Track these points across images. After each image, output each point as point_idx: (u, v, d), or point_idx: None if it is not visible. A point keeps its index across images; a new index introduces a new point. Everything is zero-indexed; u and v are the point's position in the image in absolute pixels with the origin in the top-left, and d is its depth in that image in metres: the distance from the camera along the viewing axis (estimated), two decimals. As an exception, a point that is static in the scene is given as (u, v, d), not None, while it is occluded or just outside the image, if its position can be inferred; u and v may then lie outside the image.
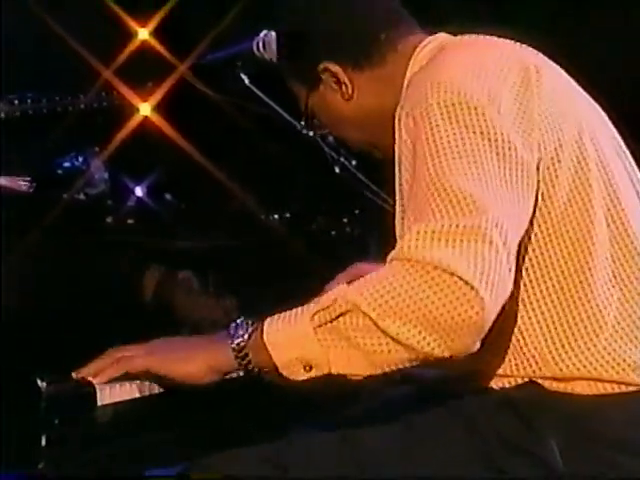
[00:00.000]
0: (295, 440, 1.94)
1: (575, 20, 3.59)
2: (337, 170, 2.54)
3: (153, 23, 2.94)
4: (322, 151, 2.53)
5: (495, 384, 1.90)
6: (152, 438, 2.14)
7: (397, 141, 1.90)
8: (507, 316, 1.82)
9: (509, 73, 1.89)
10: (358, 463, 1.87)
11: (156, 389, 2.07)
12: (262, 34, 2.46)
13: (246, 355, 1.78)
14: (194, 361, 1.83)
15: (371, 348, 1.70)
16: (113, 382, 2.02)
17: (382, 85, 2.04)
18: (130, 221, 2.47)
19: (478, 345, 1.70)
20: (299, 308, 1.76)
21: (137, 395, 2.06)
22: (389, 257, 1.73)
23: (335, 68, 2.04)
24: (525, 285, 1.87)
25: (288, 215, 2.61)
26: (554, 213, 1.86)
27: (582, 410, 1.84)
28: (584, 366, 1.85)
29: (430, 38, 2.05)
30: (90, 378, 1.92)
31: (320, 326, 1.71)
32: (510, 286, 1.72)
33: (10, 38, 2.86)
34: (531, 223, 1.83)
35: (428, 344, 1.67)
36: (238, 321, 1.80)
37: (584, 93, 2.05)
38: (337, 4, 2.10)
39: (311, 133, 2.23)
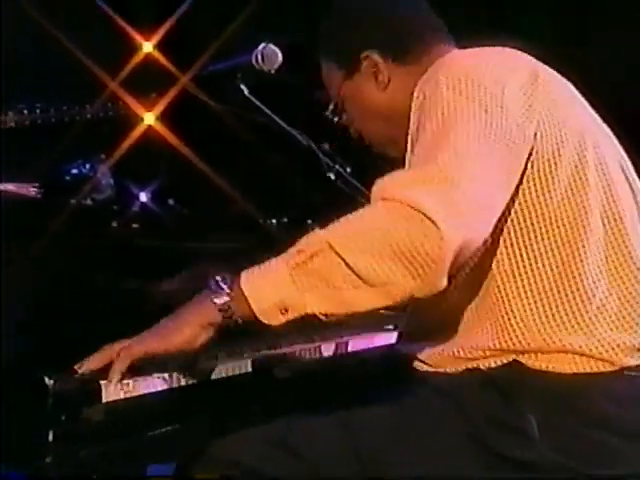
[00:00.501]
0: (298, 423, 1.96)
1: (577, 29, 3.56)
2: (332, 177, 2.53)
3: (157, 37, 2.94)
4: (317, 159, 2.53)
5: (482, 364, 1.91)
6: (156, 432, 2.13)
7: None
8: (496, 289, 1.89)
9: (517, 69, 1.94)
10: (355, 445, 1.90)
11: (159, 386, 2.09)
12: (261, 46, 2.47)
13: (229, 307, 1.77)
14: (186, 327, 1.82)
15: (343, 285, 1.70)
16: (127, 376, 2.03)
17: (412, 83, 2.01)
18: (135, 225, 2.45)
19: (445, 282, 1.70)
20: (273, 259, 1.76)
21: (144, 391, 2.07)
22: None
23: (376, 58, 2.07)
24: (517, 260, 1.89)
25: (285, 220, 2.60)
26: (551, 203, 1.88)
27: (563, 387, 1.85)
28: (569, 342, 1.85)
29: (446, 53, 2.06)
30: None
31: (295, 268, 1.71)
32: (482, 231, 1.75)
33: (21, 51, 2.87)
34: (528, 206, 1.87)
35: (393, 277, 1.67)
36: (218, 277, 1.79)
37: (589, 108, 2.06)
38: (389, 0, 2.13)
39: (335, 119, 2.21)
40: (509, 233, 1.88)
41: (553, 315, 1.87)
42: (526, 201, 1.88)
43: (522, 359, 1.88)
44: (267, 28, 2.93)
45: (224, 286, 1.78)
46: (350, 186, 2.55)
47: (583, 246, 1.88)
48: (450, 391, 1.91)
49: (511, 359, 1.88)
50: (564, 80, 2.04)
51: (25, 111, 2.53)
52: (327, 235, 1.72)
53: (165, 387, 2.08)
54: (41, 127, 2.55)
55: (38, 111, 2.56)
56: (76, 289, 2.19)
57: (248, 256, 2.49)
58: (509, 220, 1.87)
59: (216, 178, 2.58)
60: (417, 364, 2.01)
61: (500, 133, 1.81)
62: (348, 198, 2.55)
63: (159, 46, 2.95)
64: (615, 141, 2.07)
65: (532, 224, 1.88)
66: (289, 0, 3.29)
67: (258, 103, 2.49)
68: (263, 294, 1.74)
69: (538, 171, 1.87)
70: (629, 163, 2.06)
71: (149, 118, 2.69)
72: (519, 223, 1.88)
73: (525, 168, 1.86)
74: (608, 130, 2.07)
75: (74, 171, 2.52)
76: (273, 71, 2.47)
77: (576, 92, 2.06)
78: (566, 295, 1.87)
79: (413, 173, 1.79)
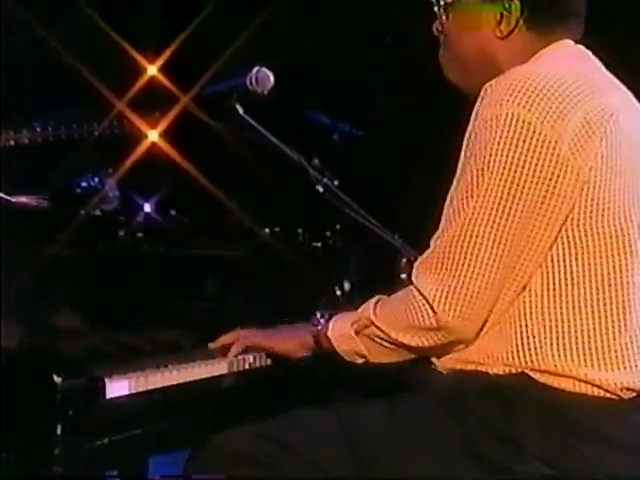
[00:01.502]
0: (297, 421, 1.92)
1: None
2: (320, 189, 2.51)
3: (160, 61, 2.93)
4: (307, 173, 2.51)
5: (491, 369, 1.86)
6: (158, 426, 2.11)
7: (474, 115, 1.84)
8: (523, 303, 1.83)
9: (585, 101, 1.81)
10: (352, 444, 1.86)
11: (167, 381, 2.07)
12: (255, 70, 2.46)
13: (319, 341, 2.07)
14: (290, 341, 2.16)
15: (387, 346, 1.94)
16: (125, 374, 2.01)
17: (519, 50, 1.92)
18: (139, 234, 2.43)
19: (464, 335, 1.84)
20: (350, 312, 2.03)
21: (143, 389, 2.05)
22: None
23: (518, 9, 1.91)
24: (550, 282, 1.83)
25: (278, 229, 2.58)
26: (585, 247, 1.82)
27: (566, 404, 1.80)
28: (578, 372, 1.80)
29: (562, 43, 1.93)
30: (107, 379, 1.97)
31: (357, 333, 1.98)
32: (483, 307, 1.82)
33: (34, 73, 2.86)
34: (569, 238, 1.81)
35: (416, 344, 1.89)
36: (318, 315, 2.10)
37: None
38: None
39: (437, 8, 1.99)
40: (551, 259, 1.82)
41: (570, 344, 1.81)
42: (570, 238, 1.81)
43: (529, 372, 1.82)
44: (261, 53, 2.90)
45: (319, 323, 2.10)
46: (337, 198, 2.53)
47: (617, 292, 1.82)
48: (450, 396, 1.85)
49: (520, 371, 1.82)
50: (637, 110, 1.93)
51: (38, 129, 2.51)
52: (373, 315, 1.95)
53: (164, 384, 2.07)
54: (53, 144, 2.54)
55: (50, 129, 2.54)
56: (85, 293, 2.18)
57: (243, 261, 2.53)
58: (553, 247, 1.81)
59: (214, 190, 2.55)
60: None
61: (534, 191, 1.77)
62: (335, 209, 2.52)
63: (162, 69, 2.93)
64: None
65: (574, 258, 1.81)
66: (282, 26, 3.27)
67: (252, 122, 2.47)
68: (340, 343, 2.02)
69: (584, 217, 1.80)
70: None
71: (152, 135, 2.67)
72: (562, 252, 1.81)
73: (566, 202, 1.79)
74: None
75: (83, 184, 2.51)
76: (266, 92, 2.46)
77: None
78: (587, 330, 1.81)
79: (432, 260, 1.86)
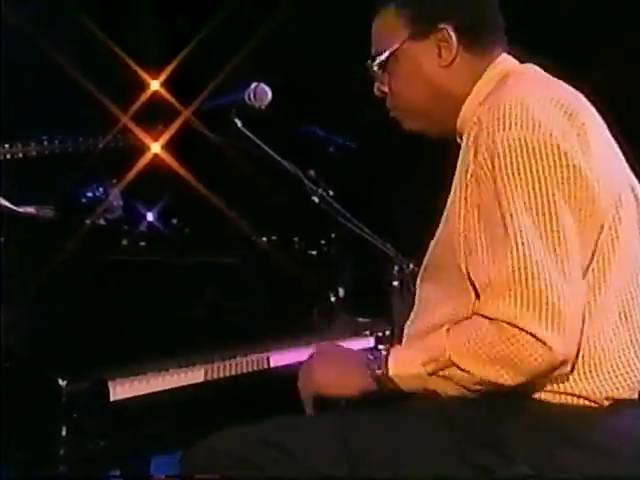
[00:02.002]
0: (290, 422, 1.87)
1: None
2: (315, 200, 2.50)
3: (162, 77, 2.93)
4: (303, 184, 2.50)
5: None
6: (159, 427, 2.10)
7: (468, 142, 1.77)
8: None
9: (571, 119, 1.77)
10: (348, 447, 1.80)
11: (168, 384, 2.06)
12: (252, 86, 2.45)
13: (381, 384, 1.82)
14: (349, 388, 1.85)
15: (471, 387, 1.75)
16: (127, 377, 2.00)
17: (467, 73, 1.87)
18: (142, 243, 2.42)
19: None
20: (414, 346, 1.83)
21: (147, 391, 2.04)
22: (476, 308, 1.74)
23: (451, 34, 1.84)
24: None
25: (275, 237, 2.57)
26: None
27: (552, 415, 1.76)
28: (569, 385, 1.77)
29: (501, 58, 1.90)
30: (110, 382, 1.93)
31: (431, 373, 1.76)
32: (578, 309, 1.70)
33: (44, 89, 2.86)
34: None
35: (513, 381, 1.71)
36: (370, 356, 1.84)
37: (617, 149, 1.91)
38: None
39: (375, 68, 1.92)
40: None
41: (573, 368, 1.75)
42: None
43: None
44: (259, 69, 2.90)
45: (380, 361, 1.83)
46: (332, 208, 2.52)
47: (603, 304, 1.77)
48: (442, 406, 1.80)
49: None
50: (600, 119, 1.89)
51: (46, 142, 2.50)
52: (452, 354, 1.74)
53: (165, 387, 2.06)
54: (60, 156, 2.53)
55: (57, 142, 2.53)
56: (90, 300, 2.17)
57: (242, 269, 2.52)
58: None
59: (214, 200, 2.55)
60: None
61: (579, 205, 1.72)
62: (330, 219, 2.51)
63: (164, 84, 2.93)
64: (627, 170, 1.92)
65: None
66: (279, 44, 3.27)
67: (250, 135, 2.46)
68: (407, 382, 1.81)
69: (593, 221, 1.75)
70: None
71: (155, 147, 2.67)
72: None
73: None
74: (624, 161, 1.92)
75: (89, 194, 2.49)
76: (264, 107, 2.45)
77: (607, 132, 1.90)
78: (587, 354, 1.76)
79: (504, 286, 1.69)
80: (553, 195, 1.71)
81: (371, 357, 1.83)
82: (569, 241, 1.70)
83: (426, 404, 1.82)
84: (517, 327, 1.67)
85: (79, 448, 1.91)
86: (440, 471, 1.77)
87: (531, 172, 1.71)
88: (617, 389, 1.79)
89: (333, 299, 2.59)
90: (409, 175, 3.11)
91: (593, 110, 1.89)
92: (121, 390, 1.97)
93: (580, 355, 1.76)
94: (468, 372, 1.73)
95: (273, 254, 2.51)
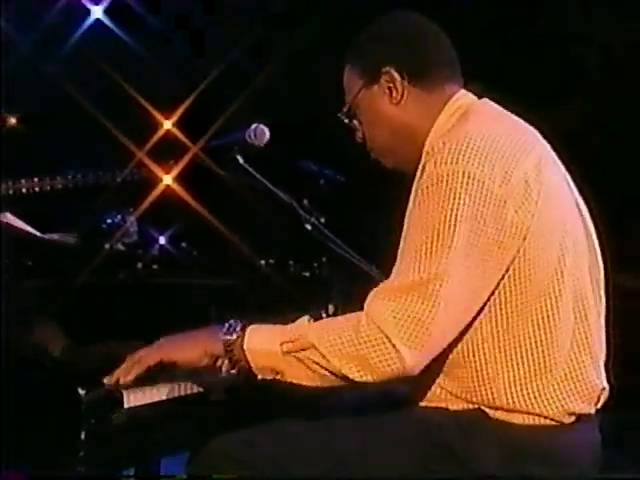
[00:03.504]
0: (277, 428, 1.85)
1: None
2: (308, 227, 2.48)
3: (173, 118, 2.93)
4: (297, 213, 2.48)
5: (453, 405, 1.76)
6: (168, 431, 2.06)
7: (420, 171, 1.74)
8: (477, 344, 1.72)
9: (522, 161, 1.71)
10: (327, 452, 1.78)
11: (176, 393, 2.03)
12: (253, 126, 2.43)
13: (231, 351, 1.75)
14: (195, 349, 1.80)
15: (320, 372, 1.69)
16: (140, 387, 1.97)
17: (421, 108, 1.83)
18: (154, 266, 2.39)
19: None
20: (273, 328, 1.75)
21: (159, 398, 2.01)
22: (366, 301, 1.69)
23: (395, 74, 1.82)
24: (498, 327, 1.72)
25: (272, 260, 2.54)
26: (531, 292, 1.71)
27: (515, 436, 1.73)
28: (528, 405, 1.73)
29: (460, 94, 1.85)
30: (121, 379, 1.84)
31: (286, 353, 1.70)
32: (444, 339, 1.65)
33: (73, 130, 2.86)
34: (512, 289, 1.70)
35: (360, 378, 1.65)
36: (231, 321, 1.77)
37: (572, 185, 1.86)
38: (422, 27, 1.87)
39: (347, 121, 1.92)
40: (494, 304, 1.71)
41: (520, 381, 1.72)
42: (510, 286, 1.70)
43: (485, 409, 1.74)
44: (259, 110, 2.89)
45: (234, 330, 1.76)
46: (323, 234, 2.50)
47: (552, 332, 1.72)
48: (417, 427, 1.76)
49: (477, 407, 1.74)
50: (557, 161, 1.84)
51: (69, 176, 2.49)
52: (314, 337, 1.68)
53: (174, 396, 2.03)
54: (83, 188, 2.52)
55: (80, 176, 2.51)
56: (108, 317, 2.14)
57: (242, 288, 2.50)
58: (496, 293, 1.70)
59: (219, 226, 2.53)
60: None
61: (486, 244, 1.64)
62: (321, 244, 2.49)
63: (176, 125, 2.92)
64: (585, 212, 1.86)
65: (514, 303, 1.71)
66: (276, 87, 3.27)
67: (251, 169, 2.44)
68: (258, 358, 1.73)
69: (522, 268, 1.70)
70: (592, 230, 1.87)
71: (167, 179, 2.65)
72: (504, 298, 1.71)
73: (513, 261, 1.69)
74: (580, 202, 1.87)
75: (108, 221, 2.47)
76: (263, 145, 2.43)
77: (561, 167, 1.85)
78: (535, 367, 1.72)
79: (388, 288, 1.66)
80: (473, 236, 1.64)
81: (231, 323, 1.76)
82: (469, 278, 1.64)
83: (403, 424, 1.78)
84: (383, 333, 1.61)
85: (97, 450, 1.87)
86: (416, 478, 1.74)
87: (465, 204, 1.64)
88: (578, 405, 1.77)
89: (324, 315, 2.57)
90: (390, 205, 3.09)
91: (546, 144, 1.84)
92: (134, 398, 1.94)
93: (542, 381, 1.73)
94: (325, 358, 1.66)
95: (271, 275, 2.50)
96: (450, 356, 1.74)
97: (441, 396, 1.77)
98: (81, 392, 1.86)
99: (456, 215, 1.64)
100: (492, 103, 1.87)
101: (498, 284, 1.70)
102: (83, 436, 1.85)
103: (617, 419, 1.90)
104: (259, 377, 1.76)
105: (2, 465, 1.83)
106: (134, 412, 1.94)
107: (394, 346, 1.61)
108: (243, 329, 1.76)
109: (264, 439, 1.82)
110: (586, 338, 1.77)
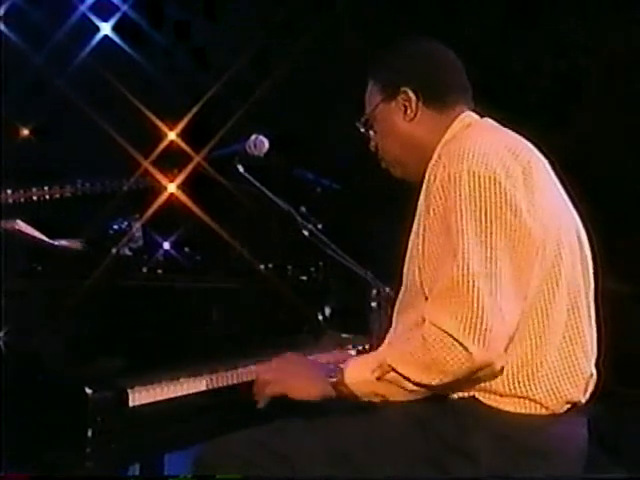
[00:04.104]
0: (281, 426, 1.85)
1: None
2: (306, 233, 2.46)
3: (178, 128, 2.92)
4: (295, 219, 2.47)
5: (449, 393, 1.77)
6: (172, 429, 2.05)
7: (429, 178, 1.79)
8: None
9: (518, 158, 1.79)
10: (329, 448, 1.78)
11: (180, 392, 2.02)
12: (253, 137, 2.43)
13: (339, 390, 1.81)
14: (312, 389, 1.84)
15: (409, 387, 1.73)
16: (145, 386, 1.96)
17: (431, 126, 1.91)
18: (159, 270, 2.38)
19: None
20: (365, 358, 1.84)
21: (162, 398, 2.00)
22: (423, 312, 1.72)
23: (411, 94, 1.91)
24: None
25: (271, 265, 2.53)
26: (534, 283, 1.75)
27: (508, 423, 1.74)
28: (524, 391, 1.74)
29: (466, 113, 1.92)
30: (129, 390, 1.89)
31: (378, 379, 1.76)
32: (504, 324, 1.67)
33: (82, 141, 2.85)
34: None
35: (439, 382, 1.70)
36: (331, 366, 1.87)
37: (562, 193, 1.90)
38: (440, 55, 1.96)
39: (363, 130, 1.99)
40: None
41: (513, 368, 1.74)
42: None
43: (480, 396, 1.75)
44: (259, 122, 2.88)
45: (334, 371, 1.83)
46: (319, 240, 2.49)
47: (546, 322, 1.76)
48: (415, 416, 1.77)
49: (472, 394, 1.75)
50: (546, 164, 1.89)
51: (78, 185, 2.47)
52: (390, 359, 1.74)
53: (177, 394, 2.02)
54: (91, 196, 2.50)
55: (88, 184, 2.50)
56: (113, 319, 2.12)
57: (243, 292, 2.49)
58: None
59: (220, 232, 2.51)
60: None
61: (505, 229, 1.69)
62: (318, 249, 2.48)
63: (180, 135, 2.91)
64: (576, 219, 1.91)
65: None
66: (276, 100, 3.26)
67: (251, 178, 2.43)
68: (361, 388, 1.79)
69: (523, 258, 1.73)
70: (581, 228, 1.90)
71: (171, 187, 2.63)
72: None
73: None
74: (572, 210, 1.90)
75: (115, 227, 2.46)
76: (262, 155, 2.42)
77: (552, 174, 1.90)
78: (529, 354, 1.75)
79: (440, 293, 1.70)
80: (492, 225, 1.70)
81: (331, 367, 1.85)
82: (501, 266, 1.69)
83: (400, 415, 1.78)
84: (444, 332, 1.65)
85: (103, 447, 1.87)
86: (413, 474, 1.73)
87: (475, 200, 1.71)
88: (567, 391, 1.78)
89: (320, 317, 2.56)
90: (384, 211, 3.08)
91: (540, 156, 1.89)
92: (139, 397, 1.94)
93: (534, 367, 1.75)
94: (403, 375, 1.71)
95: (269, 279, 2.48)
96: None
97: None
98: (88, 391, 1.85)
99: (467, 211, 1.70)
100: (492, 120, 1.95)
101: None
102: (90, 433, 1.84)
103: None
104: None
105: (5, 464, 1.82)
106: (139, 410, 1.93)
107: (461, 344, 1.65)
108: (340, 370, 1.82)
109: (269, 437, 1.81)
110: (577, 328, 1.81)
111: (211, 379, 2.10)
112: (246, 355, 2.24)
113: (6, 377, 1.86)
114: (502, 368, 1.71)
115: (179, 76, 3.21)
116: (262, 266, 2.51)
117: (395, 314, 1.91)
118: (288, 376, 1.87)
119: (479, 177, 1.71)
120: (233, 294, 2.43)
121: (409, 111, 1.92)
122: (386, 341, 1.88)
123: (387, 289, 2.51)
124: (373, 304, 2.49)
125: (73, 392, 1.86)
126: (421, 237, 1.79)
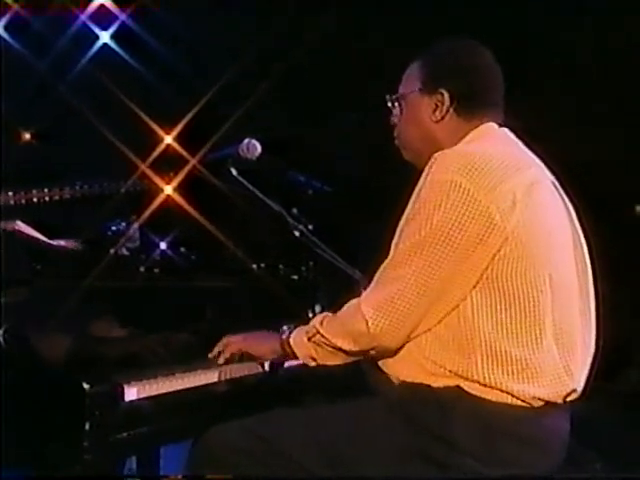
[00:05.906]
0: (273, 415, 1.86)
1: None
2: (297, 234, 2.46)
3: (174, 133, 2.91)
4: (287, 220, 2.46)
5: (433, 382, 1.78)
6: (167, 423, 2.04)
7: (424, 177, 1.81)
8: (458, 334, 1.76)
9: (514, 177, 1.78)
10: (318, 441, 1.79)
11: (175, 386, 2.01)
12: (245, 141, 2.42)
13: (284, 348, 1.96)
14: (264, 346, 2.02)
15: (332, 351, 1.86)
16: (141, 381, 1.95)
17: (454, 131, 1.90)
18: (156, 270, 2.37)
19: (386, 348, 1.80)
20: (305, 326, 1.94)
21: (157, 392, 1.99)
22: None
23: (446, 98, 1.90)
24: (487, 314, 1.76)
25: (263, 265, 2.53)
26: (506, 285, 1.76)
27: (489, 412, 1.74)
28: (505, 385, 1.74)
29: (487, 125, 1.90)
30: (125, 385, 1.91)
31: (309, 339, 1.90)
32: (410, 322, 1.76)
33: (81, 145, 2.83)
34: (504, 275, 1.76)
35: (351, 352, 1.84)
36: (285, 327, 1.98)
37: (562, 205, 1.89)
38: (488, 70, 1.92)
39: (389, 104, 1.99)
40: (475, 291, 1.76)
41: (495, 361, 1.75)
42: (502, 271, 1.76)
43: (464, 384, 1.75)
44: (251, 126, 2.87)
45: (285, 333, 1.97)
46: (310, 240, 2.48)
47: (538, 326, 1.76)
48: (399, 403, 1.79)
49: (456, 383, 1.76)
50: (552, 182, 1.89)
51: (77, 187, 2.46)
52: (319, 325, 1.88)
53: (171, 389, 2.01)
54: (90, 197, 2.49)
55: (87, 186, 2.48)
56: (110, 317, 2.11)
57: (236, 290, 2.48)
58: (485, 277, 1.76)
59: (215, 233, 2.51)
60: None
61: (467, 241, 1.73)
62: (309, 249, 2.47)
63: (176, 139, 2.91)
64: (579, 233, 1.91)
65: (503, 289, 1.76)
66: (269, 105, 3.24)
67: (243, 181, 2.42)
68: (299, 348, 1.93)
69: (505, 263, 1.75)
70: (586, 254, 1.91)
71: (168, 189, 2.63)
72: (493, 283, 1.76)
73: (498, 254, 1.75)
74: (569, 223, 1.90)
75: (113, 228, 2.45)
76: (254, 158, 2.42)
77: (557, 193, 1.89)
78: (508, 350, 1.74)
79: (377, 282, 1.83)
80: (448, 233, 1.73)
81: (287, 330, 1.96)
82: (434, 275, 1.74)
83: (385, 403, 1.80)
84: (359, 305, 1.80)
85: (100, 440, 1.86)
86: (398, 460, 1.73)
87: (437, 206, 1.74)
88: (542, 393, 1.76)
89: (311, 315, 2.55)
90: (371, 214, 3.08)
91: (547, 174, 1.89)
92: (135, 392, 1.93)
93: (520, 365, 1.75)
94: (324, 336, 1.85)
95: (262, 278, 2.48)
96: (444, 327, 1.78)
97: (423, 373, 1.79)
98: (85, 386, 1.85)
99: (433, 217, 1.74)
100: (508, 131, 1.93)
101: (481, 276, 1.75)
102: (87, 427, 1.84)
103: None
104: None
105: (3, 462, 1.80)
106: (136, 405, 1.93)
107: (364, 316, 1.78)
108: (290, 332, 1.96)
109: (263, 427, 1.82)
110: (568, 338, 1.80)
111: (205, 374, 2.09)
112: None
113: (5, 373, 1.85)
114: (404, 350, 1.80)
115: (176, 82, 3.20)
116: (255, 265, 2.51)
117: None
118: (248, 337, 2.06)
119: (459, 188, 1.73)
120: (227, 292, 2.43)
121: (438, 112, 1.91)
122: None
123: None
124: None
125: (71, 387, 1.85)
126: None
